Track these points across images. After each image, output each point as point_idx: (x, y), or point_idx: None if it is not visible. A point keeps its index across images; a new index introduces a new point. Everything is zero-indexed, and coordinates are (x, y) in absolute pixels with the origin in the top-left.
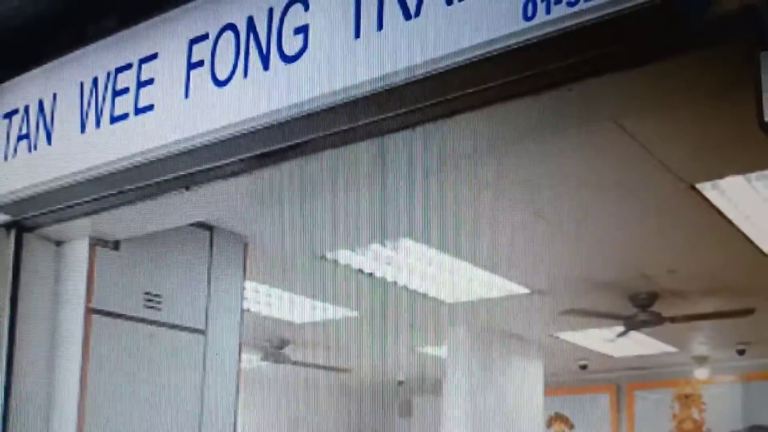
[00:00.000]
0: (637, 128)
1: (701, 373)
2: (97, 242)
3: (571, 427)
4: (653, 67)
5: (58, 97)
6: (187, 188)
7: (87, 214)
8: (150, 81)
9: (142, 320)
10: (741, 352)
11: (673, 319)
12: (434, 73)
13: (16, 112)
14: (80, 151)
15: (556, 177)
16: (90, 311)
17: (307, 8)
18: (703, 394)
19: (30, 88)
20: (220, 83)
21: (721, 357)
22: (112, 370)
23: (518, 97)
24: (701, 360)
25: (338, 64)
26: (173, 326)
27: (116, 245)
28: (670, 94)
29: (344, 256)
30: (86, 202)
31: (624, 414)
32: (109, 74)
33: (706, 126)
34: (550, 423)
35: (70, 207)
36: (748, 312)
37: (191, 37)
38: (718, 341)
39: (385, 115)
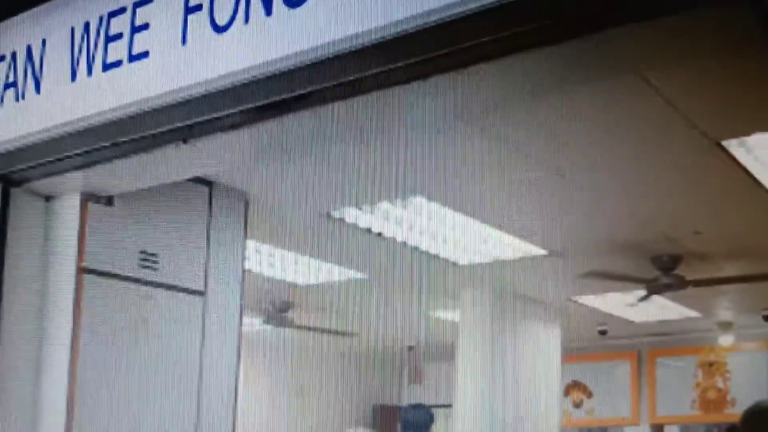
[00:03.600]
0: (662, 82)
1: (726, 339)
2: (89, 198)
3: (590, 395)
4: (679, 19)
5: (47, 43)
6: (185, 141)
7: (78, 167)
8: (145, 26)
9: (137, 281)
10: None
11: (697, 283)
12: (447, 20)
13: (2, 58)
14: (71, 100)
15: (576, 133)
16: (82, 271)
17: None
18: (727, 362)
19: (18, 33)
20: (219, 29)
21: (746, 323)
22: (106, 332)
23: (537, 48)
24: (726, 326)
25: (346, 10)
26: (170, 287)
27: (109, 201)
28: (697, 47)
29: (351, 214)
30: (77, 155)
31: (645, 382)
32: (101, 19)
33: (733, 81)
34: (567, 391)
35: (60, 160)
36: None
37: None
38: (744, 306)
39: (395, 64)
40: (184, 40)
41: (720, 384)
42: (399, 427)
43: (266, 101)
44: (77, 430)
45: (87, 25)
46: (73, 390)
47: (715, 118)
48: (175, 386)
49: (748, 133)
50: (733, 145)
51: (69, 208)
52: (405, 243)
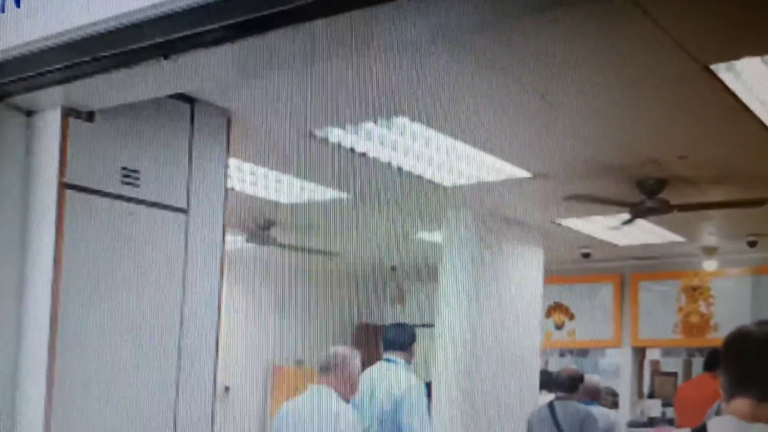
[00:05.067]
0: (651, 4)
1: (710, 264)
2: (69, 113)
3: (572, 317)
4: None
5: None
6: (166, 57)
7: (59, 82)
8: None
9: (120, 197)
10: (752, 244)
11: (682, 208)
12: None
13: None
14: (51, 14)
15: (562, 55)
16: (63, 186)
17: None
18: (711, 287)
19: None
20: None
21: (731, 248)
22: (88, 249)
23: None
24: (710, 251)
25: None
26: (153, 204)
27: (90, 116)
28: None
29: (335, 134)
30: (58, 69)
31: (627, 305)
32: None
33: (723, 3)
34: (549, 312)
35: (41, 74)
36: (760, 202)
37: None
38: (729, 232)
39: None
40: None
41: (703, 309)
42: (381, 345)
43: (249, 17)
44: (60, 347)
45: None
46: (56, 307)
47: (704, 41)
48: (158, 303)
49: (737, 57)
50: (721, 69)
51: (50, 123)
52: (389, 163)
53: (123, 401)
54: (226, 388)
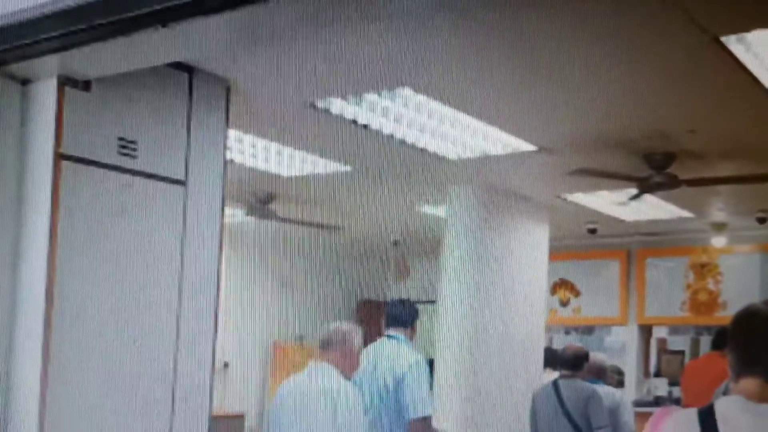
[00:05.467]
0: None
1: (718, 241)
2: (66, 81)
3: (577, 294)
4: None
5: None
6: (164, 24)
7: (55, 50)
8: None
9: (117, 168)
10: (762, 221)
11: (690, 183)
12: None
13: None
14: None
15: (569, 26)
16: (59, 157)
17: None
18: (719, 264)
19: None
20: None
21: (740, 225)
22: (84, 220)
23: None
24: (719, 227)
25: None
26: (150, 175)
27: (87, 86)
28: None
29: (336, 105)
30: (54, 37)
31: (634, 282)
32: None
33: None
34: (554, 289)
35: (37, 42)
36: None
37: None
38: (738, 208)
39: None
40: None
41: (711, 286)
42: (383, 322)
43: None
44: (57, 321)
45: None
46: (52, 280)
47: (714, 12)
48: (155, 277)
49: (747, 29)
50: (731, 41)
51: (46, 92)
52: (392, 136)
53: (120, 376)
54: (225, 364)
